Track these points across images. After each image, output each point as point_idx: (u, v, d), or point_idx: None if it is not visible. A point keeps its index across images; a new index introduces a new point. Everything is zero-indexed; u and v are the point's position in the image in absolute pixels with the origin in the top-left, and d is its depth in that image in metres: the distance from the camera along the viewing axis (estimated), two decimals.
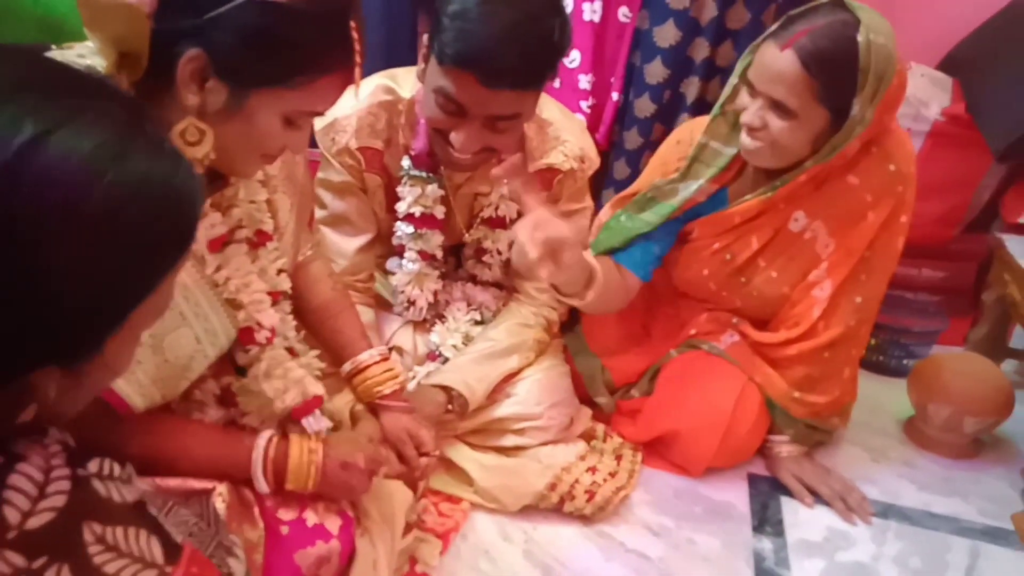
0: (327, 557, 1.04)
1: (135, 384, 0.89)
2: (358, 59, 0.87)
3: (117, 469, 0.58)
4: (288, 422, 1.08)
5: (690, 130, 1.52)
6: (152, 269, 0.56)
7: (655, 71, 1.79)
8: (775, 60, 1.26)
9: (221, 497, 0.96)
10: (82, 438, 0.79)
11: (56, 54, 0.82)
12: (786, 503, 1.54)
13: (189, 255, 0.60)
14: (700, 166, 1.47)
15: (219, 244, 0.96)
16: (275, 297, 1.04)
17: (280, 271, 1.07)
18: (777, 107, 1.28)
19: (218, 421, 1.04)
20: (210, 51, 0.78)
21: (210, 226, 0.94)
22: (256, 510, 1.02)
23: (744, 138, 1.35)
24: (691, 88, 1.83)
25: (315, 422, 1.07)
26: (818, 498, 1.54)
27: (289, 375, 1.05)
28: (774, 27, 1.30)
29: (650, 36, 1.77)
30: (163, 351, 0.90)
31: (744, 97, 1.34)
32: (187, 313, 0.92)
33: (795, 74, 1.24)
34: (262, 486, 0.99)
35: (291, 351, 1.08)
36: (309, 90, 0.84)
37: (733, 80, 1.39)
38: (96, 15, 0.74)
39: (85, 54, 0.81)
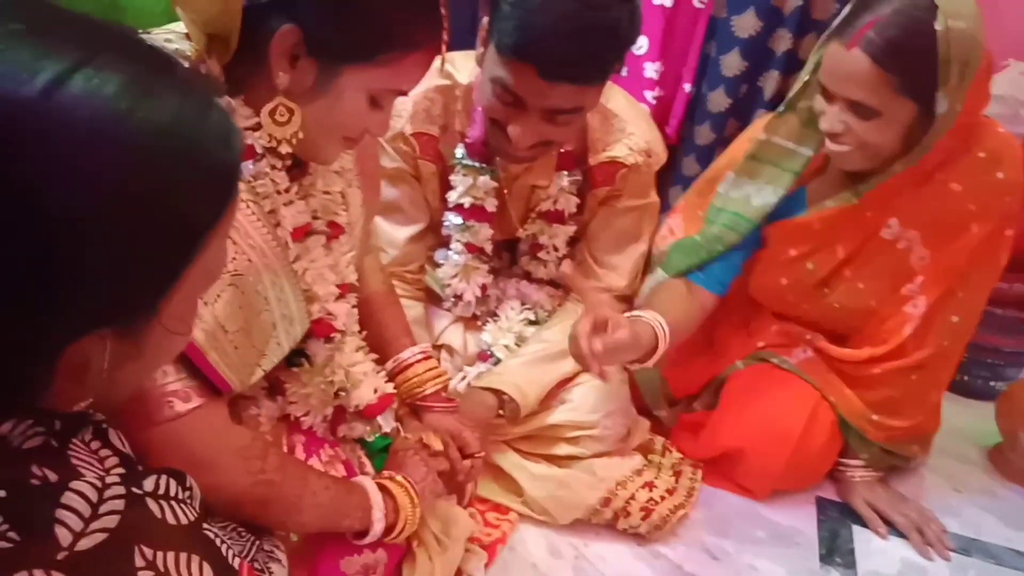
0: (373, 566, 1.02)
1: (232, 366, 0.85)
2: (445, 36, 0.85)
3: (175, 487, 0.55)
4: (337, 417, 1.05)
5: (756, 129, 1.43)
6: (194, 217, 0.51)
7: (732, 63, 1.69)
8: (844, 60, 1.16)
9: None
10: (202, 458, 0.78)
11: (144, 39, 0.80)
12: (858, 532, 1.43)
13: (233, 210, 0.55)
14: (770, 168, 1.36)
15: (302, 233, 0.94)
16: (343, 290, 1.02)
17: (348, 264, 1.05)
18: (857, 108, 1.19)
19: (272, 414, 1.01)
20: (303, 26, 0.77)
21: (296, 213, 0.92)
22: None
23: (829, 144, 1.25)
24: (770, 82, 1.72)
25: (387, 421, 1.07)
26: (892, 528, 1.43)
27: (363, 369, 1.04)
28: (838, 20, 1.19)
29: (728, 25, 1.67)
30: (251, 335, 0.88)
31: (819, 100, 1.25)
32: (271, 298, 0.89)
33: (868, 72, 1.14)
34: (377, 529, 0.97)
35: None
36: (398, 67, 0.82)
37: (804, 76, 1.29)
38: None
39: (172, 39, 0.81)
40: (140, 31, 0.80)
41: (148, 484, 0.52)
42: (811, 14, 1.65)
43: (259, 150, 0.85)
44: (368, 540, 0.97)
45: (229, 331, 0.84)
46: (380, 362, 1.19)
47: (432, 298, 1.52)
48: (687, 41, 1.73)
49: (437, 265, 1.47)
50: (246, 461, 0.85)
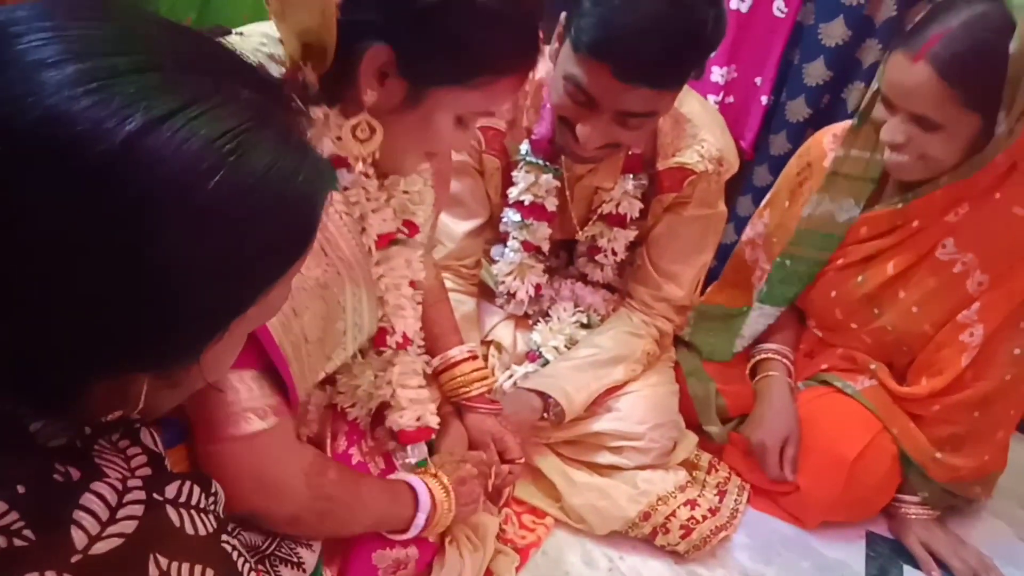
0: (404, 561, 1.02)
1: (303, 377, 0.85)
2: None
3: (198, 495, 0.55)
4: (379, 415, 1.04)
5: (818, 146, 1.39)
6: (265, 273, 0.51)
7: (816, 72, 1.63)
8: (908, 73, 1.13)
9: None
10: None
11: (235, 39, 0.81)
12: (908, 572, 1.36)
13: (304, 258, 0.54)
14: (850, 182, 1.32)
15: (387, 241, 0.93)
16: (413, 285, 1.01)
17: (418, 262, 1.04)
18: (919, 121, 1.16)
19: (320, 402, 1.01)
20: (396, 47, 0.76)
21: (382, 220, 0.91)
22: None
23: (888, 154, 1.23)
24: (854, 93, 1.65)
25: (416, 452, 1.05)
26: (947, 572, 1.36)
27: (413, 395, 1.03)
28: (905, 31, 1.15)
29: (814, 33, 1.61)
30: (325, 344, 0.88)
31: (881, 110, 1.22)
32: (348, 308, 0.89)
33: (932, 86, 1.11)
34: (416, 530, 0.98)
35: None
36: (489, 91, 0.81)
37: (874, 85, 1.25)
38: (287, 4, 0.74)
39: (266, 43, 0.81)
40: (233, 31, 0.81)
41: (170, 491, 0.52)
42: (904, 25, 1.57)
43: (352, 160, 0.84)
44: (405, 537, 0.98)
45: (309, 341, 0.83)
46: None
47: (485, 293, 1.50)
48: (764, 49, 1.67)
49: (493, 261, 1.46)
50: (309, 478, 0.85)
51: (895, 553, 1.40)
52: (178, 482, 0.53)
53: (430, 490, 0.99)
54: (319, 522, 0.87)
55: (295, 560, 0.84)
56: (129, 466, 0.51)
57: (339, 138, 0.81)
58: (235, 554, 0.54)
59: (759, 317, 1.49)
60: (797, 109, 1.68)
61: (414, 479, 1.00)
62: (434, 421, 1.05)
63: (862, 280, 1.35)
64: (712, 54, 1.14)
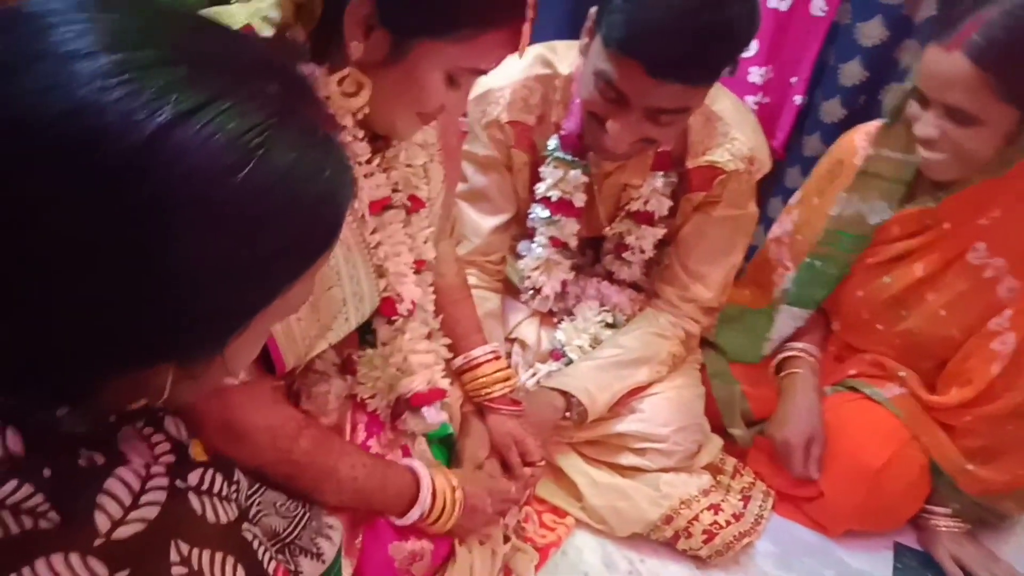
0: (420, 554, 1.02)
1: (292, 341, 0.86)
2: (530, 14, 0.81)
3: (220, 482, 0.54)
4: (401, 403, 1.03)
5: (849, 144, 1.38)
6: (287, 270, 0.50)
7: (852, 72, 1.59)
8: (942, 64, 1.10)
9: None
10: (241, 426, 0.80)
11: (237, 7, 0.81)
12: None
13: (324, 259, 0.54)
14: (881, 182, 1.31)
15: (380, 207, 0.92)
16: (419, 266, 1.01)
17: (426, 240, 1.03)
18: (954, 114, 1.13)
19: (340, 392, 1.01)
20: None
21: (375, 187, 0.91)
22: None
23: (922, 152, 1.20)
24: (891, 95, 1.60)
25: (434, 414, 1.04)
26: None
27: (422, 359, 1.02)
28: (938, 22, 1.13)
29: (851, 32, 1.57)
30: (318, 309, 0.87)
31: (913, 106, 1.20)
32: (343, 273, 0.89)
33: (968, 76, 1.08)
34: (415, 514, 0.97)
35: (428, 334, 1.06)
36: (473, 45, 0.79)
37: (907, 83, 1.23)
38: None
39: (263, 8, 0.81)
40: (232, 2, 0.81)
41: (193, 478, 0.52)
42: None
43: (339, 120, 0.83)
44: (400, 523, 0.97)
45: None
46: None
47: (510, 290, 1.49)
48: (801, 49, 1.64)
49: (519, 257, 1.45)
50: (275, 439, 0.86)
51: (923, 566, 1.36)
52: (200, 470, 0.52)
53: (434, 484, 0.98)
54: (286, 481, 0.88)
55: (315, 551, 0.84)
56: (153, 453, 0.51)
57: (327, 97, 0.80)
58: (256, 543, 0.54)
59: (788, 319, 1.47)
60: (832, 110, 1.64)
61: (421, 468, 0.99)
62: (445, 383, 1.05)
63: (890, 280, 1.33)
64: (745, 50, 1.12)
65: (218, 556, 0.50)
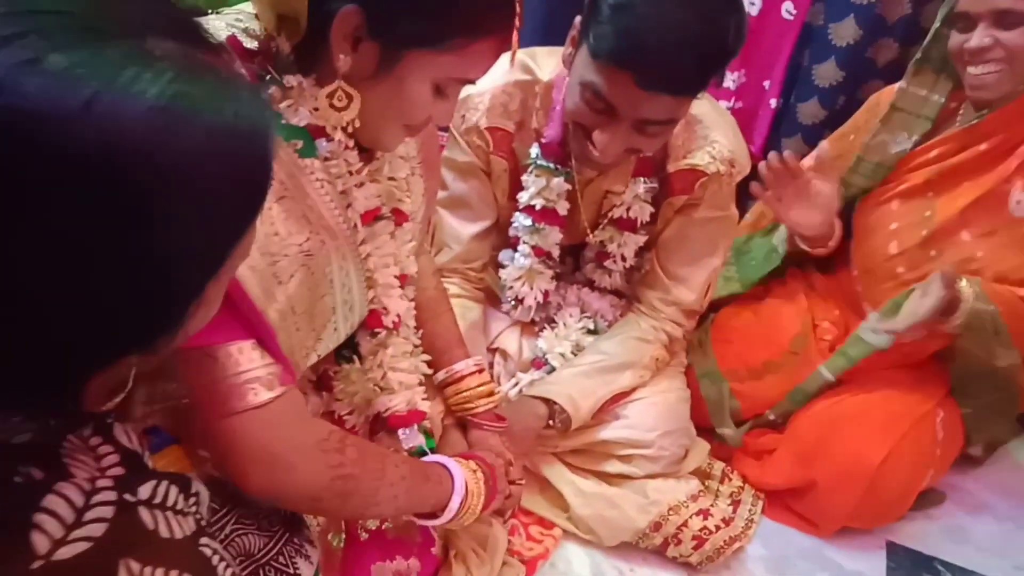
0: (405, 573, 1.00)
1: (291, 353, 0.82)
2: (517, 23, 0.81)
3: (175, 496, 0.51)
4: (379, 420, 1.02)
5: (889, 91, 1.44)
6: (233, 222, 0.48)
7: (827, 73, 1.60)
8: None
9: None
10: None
11: (213, 18, 0.81)
12: None
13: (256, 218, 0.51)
14: (906, 116, 1.37)
15: (371, 217, 0.91)
16: (403, 280, 0.99)
17: (408, 255, 1.02)
18: (1004, 19, 1.20)
19: (316, 409, 0.99)
20: (366, 9, 0.74)
21: (367, 197, 0.89)
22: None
23: (972, 70, 1.26)
24: (871, 93, 1.61)
25: (411, 436, 1.02)
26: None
27: (403, 378, 1.00)
28: None
29: (824, 34, 1.58)
30: (313, 318, 0.85)
31: (955, 37, 1.26)
32: (335, 282, 0.87)
33: None
34: (451, 512, 0.94)
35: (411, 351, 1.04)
36: (464, 54, 0.78)
37: (936, 24, 1.32)
38: None
39: (242, 18, 0.81)
40: (210, 12, 0.80)
41: (144, 491, 0.48)
42: (920, 22, 1.54)
43: (330, 130, 0.82)
44: (438, 522, 0.94)
45: (296, 312, 0.81)
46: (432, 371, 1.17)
47: (492, 298, 1.48)
48: (773, 53, 1.65)
49: (501, 266, 1.43)
50: (325, 455, 0.81)
51: (916, 564, 1.35)
52: (153, 482, 0.49)
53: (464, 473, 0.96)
54: (341, 502, 0.82)
55: (291, 571, 0.81)
56: (99, 465, 0.48)
57: (316, 108, 0.79)
58: (215, 558, 0.51)
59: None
60: (810, 111, 1.65)
61: (449, 460, 0.97)
62: (425, 405, 1.03)
63: (930, 214, 1.35)
64: (733, 59, 1.12)
65: (173, 574, 0.47)
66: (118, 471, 0.48)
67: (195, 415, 0.76)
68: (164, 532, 0.48)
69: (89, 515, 0.44)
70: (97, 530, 0.44)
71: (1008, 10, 1.19)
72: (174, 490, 0.50)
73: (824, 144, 1.47)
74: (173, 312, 0.46)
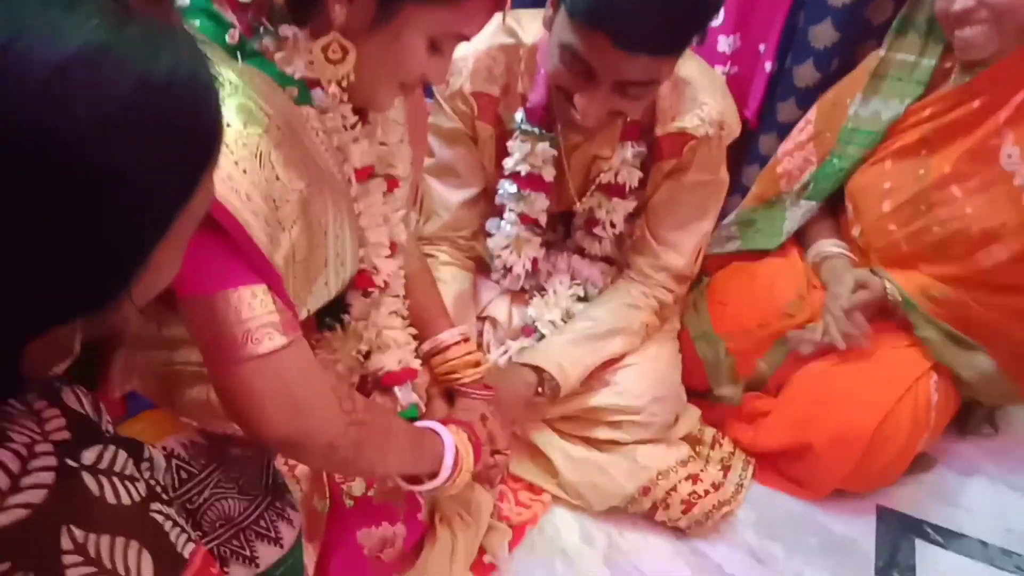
0: (391, 539, 1.00)
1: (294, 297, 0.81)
2: None
3: (123, 461, 0.49)
4: (370, 382, 1.02)
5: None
6: (184, 174, 0.46)
7: (823, 34, 1.56)
8: None
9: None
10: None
11: None
12: (920, 547, 1.32)
13: (210, 178, 0.50)
14: (894, 82, 1.38)
15: (365, 175, 0.91)
16: (392, 249, 0.99)
17: (397, 223, 1.01)
18: None
19: None
20: None
21: (361, 153, 0.89)
22: (326, 480, 0.99)
23: (961, 33, 1.25)
24: (866, 54, 1.57)
25: (406, 393, 1.03)
26: (962, 547, 1.31)
27: (396, 335, 1.00)
28: None
29: None
30: (309, 268, 0.84)
31: (935, 3, 1.27)
32: (329, 234, 0.86)
33: None
34: (447, 470, 0.93)
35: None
36: (458, 9, 0.78)
37: None
38: None
39: None
40: None
41: (89, 456, 0.47)
42: None
43: (324, 84, 0.81)
44: (434, 485, 0.94)
45: (297, 259, 0.81)
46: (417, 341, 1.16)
47: (482, 268, 1.47)
48: (768, 15, 1.60)
49: (488, 235, 1.42)
50: (340, 400, 0.80)
51: (906, 528, 1.36)
52: (99, 447, 0.48)
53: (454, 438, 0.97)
54: (356, 452, 0.81)
55: (272, 536, 0.80)
56: (42, 430, 0.46)
57: (311, 62, 0.78)
58: (168, 524, 0.50)
59: (802, 212, 1.52)
60: (805, 74, 1.61)
61: (432, 423, 0.97)
62: (416, 363, 1.03)
63: (923, 172, 1.34)
64: (714, 18, 1.10)
65: (119, 541, 0.45)
66: (63, 435, 0.47)
67: (207, 360, 0.74)
68: (111, 498, 0.47)
69: (27, 480, 0.43)
70: (36, 496, 0.43)
71: None
72: (123, 455, 0.49)
73: (811, 116, 1.51)
74: (113, 275, 0.45)
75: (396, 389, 1.02)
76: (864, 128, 1.41)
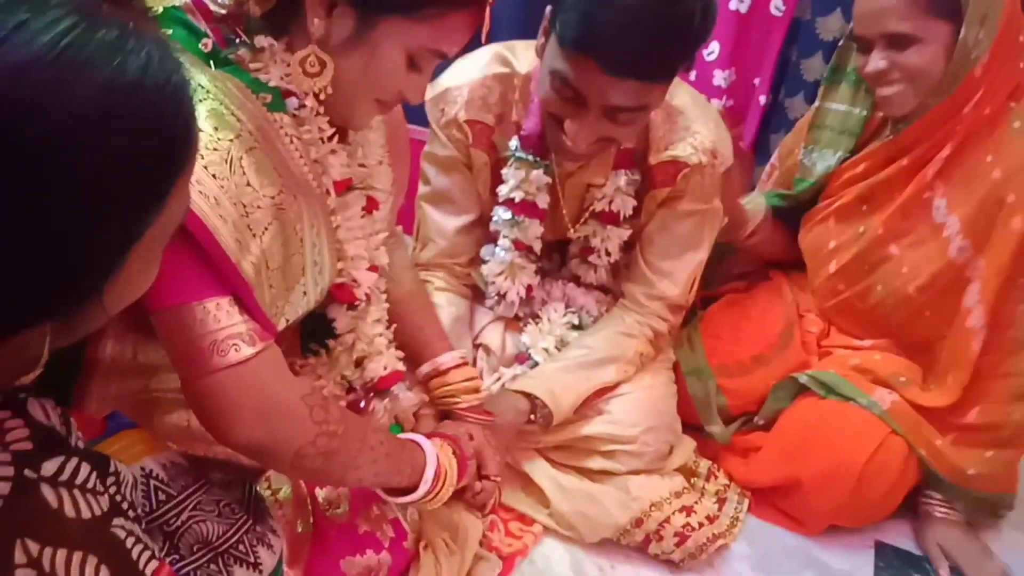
0: (375, 568, 0.99)
1: (267, 310, 0.81)
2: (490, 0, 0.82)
3: (86, 474, 0.48)
4: (362, 393, 1.03)
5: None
6: (156, 179, 0.46)
7: (815, 67, 1.60)
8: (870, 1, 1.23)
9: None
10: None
11: None
12: None
13: (185, 183, 0.50)
14: (828, 133, 1.42)
15: (343, 187, 0.91)
16: (373, 270, 0.99)
17: (378, 247, 1.01)
18: (894, 42, 1.22)
19: None
20: None
21: (340, 165, 0.89)
22: (309, 506, 0.98)
23: (880, 92, 1.28)
24: None
25: (406, 394, 1.06)
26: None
27: (379, 343, 1.02)
28: None
29: (812, 28, 1.58)
30: (286, 277, 0.84)
31: (856, 59, 1.30)
32: (306, 241, 0.86)
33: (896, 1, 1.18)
34: (426, 484, 0.93)
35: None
36: (438, 25, 0.80)
37: (840, 45, 1.38)
38: None
39: None
40: None
41: (49, 467, 0.45)
42: None
43: (301, 95, 0.82)
44: (411, 498, 0.93)
45: (271, 268, 0.80)
46: (415, 365, 1.16)
47: (477, 294, 1.46)
48: (762, 49, 1.65)
49: (483, 261, 1.41)
50: (311, 409, 0.79)
51: (906, 564, 1.32)
52: (60, 458, 0.46)
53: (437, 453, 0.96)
54: (324, 461, 0.81)
55: (251, 560, 0.79)
56: (2, 440, 0.45)
57: (287, 74, 0.79)
58: (129, 540, 0.48)
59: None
60: (798, 106, 1.65)
61: (416, 436, 0.96)
62: (400, 365, 1.05)
63: (863, 230, 1.36)
64: (703, 46, 1.11)
65: (76, 556, 0.44)
66: (24, 446, 0.45)
67: (178, 370, 0.75)
68: (70, 511, 0.45)
69: None
70: None
71: (896, 33, 1.20)
72: (86, 467, 0.48)
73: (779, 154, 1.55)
74: (82, 282, 0.44)
75: (394, 389, 1.03)
76: (808, 179, 1.45)
